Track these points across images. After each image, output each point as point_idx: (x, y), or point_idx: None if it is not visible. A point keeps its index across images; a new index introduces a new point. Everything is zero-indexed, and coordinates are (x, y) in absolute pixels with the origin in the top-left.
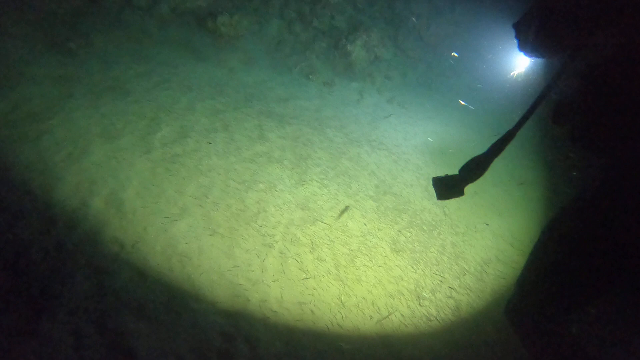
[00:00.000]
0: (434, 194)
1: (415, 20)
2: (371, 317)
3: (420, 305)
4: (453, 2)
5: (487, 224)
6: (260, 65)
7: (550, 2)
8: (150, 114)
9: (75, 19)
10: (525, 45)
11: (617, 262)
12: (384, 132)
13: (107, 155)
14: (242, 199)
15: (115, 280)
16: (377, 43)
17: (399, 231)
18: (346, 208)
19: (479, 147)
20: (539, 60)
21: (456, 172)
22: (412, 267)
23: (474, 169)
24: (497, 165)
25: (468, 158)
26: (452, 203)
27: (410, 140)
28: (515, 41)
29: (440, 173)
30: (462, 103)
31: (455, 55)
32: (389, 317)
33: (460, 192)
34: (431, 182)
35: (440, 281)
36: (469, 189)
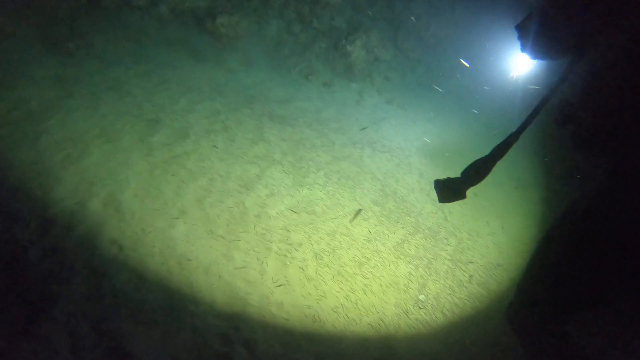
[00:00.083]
0: (436, 197)
1: (414, 20)
2: (371, 324)
3: (420, 307)
4: (453, 3)
5: (487, 222)
6: (260, 66)
7: (555, 3)
8: (149, 114)
9: (74, 19)
10: (529, 47)
11: (618, 265)
12: (384, 134)
13: (106, 156)
14: (242, 201)
15: (113, 282)
16: (377, 44)
17: (404, 237)
18: (359, 211)
19: (477, 150)
20: (541, 62)
21: (457, 174)
22: (415, 273)
23: (477, 172)
24: (497, 167)
25: (464, 160)
26: (454, 205)
27: (410, 142)
28: (518, 43)
29: (442, 175)
30: (436, 88)
31: (466, 64)
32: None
33: (462, 195)
34: (433, 185)
35: (443, 285)
36: (468, 190)
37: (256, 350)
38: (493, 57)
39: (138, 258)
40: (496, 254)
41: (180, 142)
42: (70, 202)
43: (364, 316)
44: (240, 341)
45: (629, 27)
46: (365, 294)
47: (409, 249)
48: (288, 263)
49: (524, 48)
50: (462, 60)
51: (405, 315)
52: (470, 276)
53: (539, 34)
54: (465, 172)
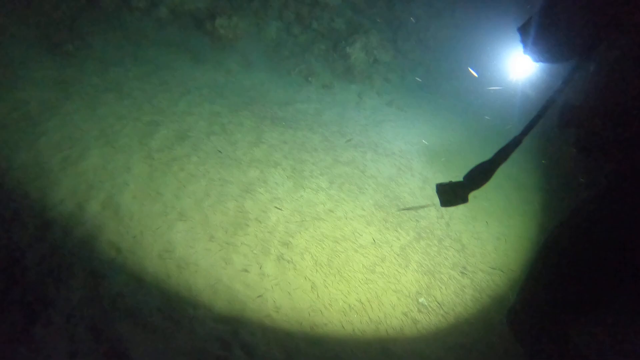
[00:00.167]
0: (438, 200)
1: (414, 21)
2: (370, 328)
3: (421, 310)
4: (453, 5)
5: (487, 223)
6: (259, 68)
7: (560, 5)
8: (148, 116)
9: (74, 20)
10: (532, 50)
11: (621, 268)
12: (384, 136)
13: (105, 158)
14: (241, 204)
15: (112, 285)
16: (377, 45)
17: (406, 242)
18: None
19: (475, 152)
20: (542, 65)
21: (457, 177)
22: (416, 277)
23: (479, 175)
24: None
25: (463, 162)
26: (455, 209)
27: (411, 144)
28: (521, 44)
29: (443, 178)
30: (417, 79)
31: (474, 74)
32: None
33: (464, 199)
34: (435, 189)
35: (443, 289)
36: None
37: (255, 354)
38: (493, 59)
39: (137, 261)
40: (496, 257)
41: (180, 144)
42: (69, 204)
43: (364, 320)
44: (239, 345)
45: (634, 30)
46: (365, 297)
47: (412, 255)
48: (288, 267)
49: (526, 50)
50: (470, 70)
51: (405, 318)
52: (471, 280)
53: (542, 36)
54: (468, 176)
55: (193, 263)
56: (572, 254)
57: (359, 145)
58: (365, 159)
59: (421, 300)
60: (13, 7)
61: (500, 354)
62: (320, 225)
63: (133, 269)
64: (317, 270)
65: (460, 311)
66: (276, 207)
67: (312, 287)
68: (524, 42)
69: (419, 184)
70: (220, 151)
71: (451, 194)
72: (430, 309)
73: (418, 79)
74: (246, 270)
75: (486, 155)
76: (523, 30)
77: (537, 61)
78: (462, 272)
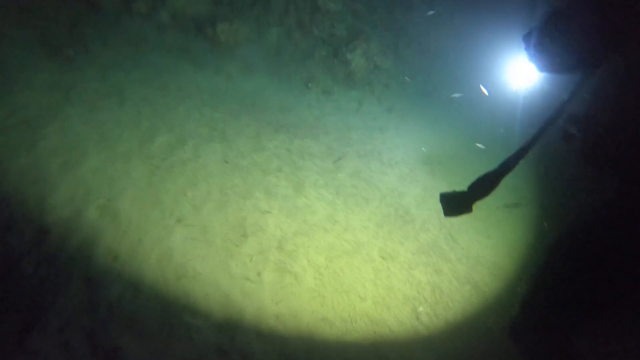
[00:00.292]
0: (442, 210)
1: (409, 80)
2: (368, 336)
3: (418, 319)
4: (452, 13)
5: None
6: (259, 73)
7: (566, 17)
8: (148, 122)
9: (74, 25)
10: (536, 59)
11: (624, 281)
12: (385, 144)
13: (104, 163)
14: (240, 210)
15: (109, 293)
16: (377, 52)
17: (404, 249)
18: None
19: (474, 158)
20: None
21: (456, 183)
22: (413, 289)
23: (484, 186)
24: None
25: (462, 169)
26: (459, 219)
27: (411, 152)
28: (525, 53)
29: (444, 187)
30: (407, 79)
31: (485, 92)
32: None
33: (468, 209)
34: (438, 198)
35: (445, 296)
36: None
37: None
38: (495, 66)
39: (134, 268)
40: (493, 267)
41: (179, 150)
42: (67, 210)
43: (361, 327)
44: (237, 353)
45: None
46: (364, 305)
47: (413, 268)
48: (287, 275)
49: (531, 59)
50: (481, 87)
51: (403, 326)
52: (470, 290)
53: (546, 47)
54: (473, 186)
55: (191, 270)
56: (575, 266)
57: (360, 152)
58: (366, 167)
59: (420, 308)
60: (14, 11)
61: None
62: (318, 232)
63: (131, 276)
64: (317, 279)
65: (458, 320)
66: (275, 214)
67: (310, 296)
68: (528, 51)
69: (421, 192)
70: (226, 161)
71: (455, 204)
72: (426, 317)
73: (407, 78)
74: (245, 278)
75: (485, 161)
76: (527, 39)
77: (542, 71)
78: (463, 284)
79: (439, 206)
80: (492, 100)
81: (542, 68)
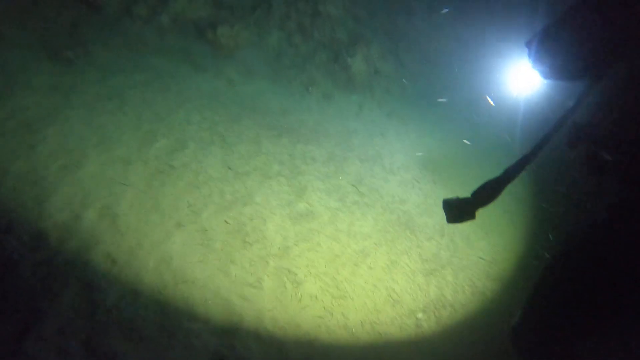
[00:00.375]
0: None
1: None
2: (368, 343)
3: (418, 325)
4: (454, 18)
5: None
6: (260, 77)
7: (570, 24)
8: (148, 125)
9: (74, 27)
10: (540, 66)
11: (629, 289)
12: (386, 148)
13: (103, 166)
14: (239, 214)
15: (106, 297)
16: (378, 56)
17: (401, 253)
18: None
19: (475, 166)
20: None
21: (459, 190)
22: (414, 294)
23: (488, 192)
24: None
25: (461, 175)
26: (463, 226)
27: (413, 157)
28: (528, 60)
29: (447, 193)
30: (405, 82)
31: (491, 102)
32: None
33: (471, 216)
34: (441, 205)
35: (445, 303)
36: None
37: None
38: (496, 72)
39: (133, 272)
40: (496, 273)
41: (179, 154)
42: (65, 214)
43: (362, 333)
44: (235, 358)
45: None
46: (365, 314)
47: (416, 275)
48: (287, 281)
49: (535, 65)
50: (487, 98)
51: (404, 332)
52: (470, 296)
53: (550, 54)
54: (476, 193)
55: (190, 275)
56: (580, 273)
57: (361, 157)
58: (367, 172)
59: (419, 315)
60: (14, 12)
61: None
62: (318, 238)
63: (129, 280)
64: (317, 285)
65: (458, 327)
66: (276, 220)
67: (311, 302)
68: (532, 57)
69: (423, 198)
70: (230, 168)
71: (458, 211)
72: (426, 324)
73: (405, 81)
74: (244, 284)
75: (485, 166)
76: (530, 46)
77: (546, 78)
78: (464, 292)
79: (441, 213)
80: (496, 106)
81: (547, 75)
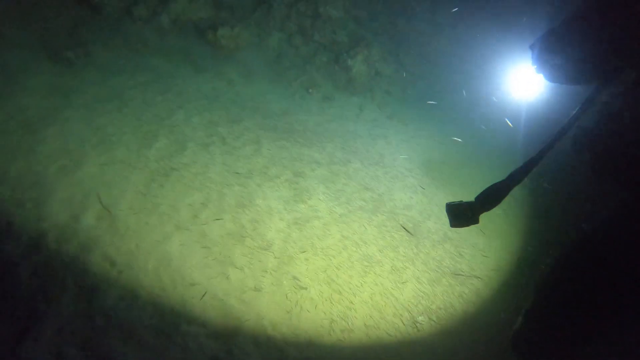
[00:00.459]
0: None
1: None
2: (368, 346)
3: (418, 329)
4: (455, 20)
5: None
6: (260, 78)
7: (579, 28)
8: (147, 126)
9: (75, 28)
10: (544, 69)
11: (633, 295)
12: (385, 150)
13: (102, 168)
14: (239, 216)
15: (105, 300)
16: (378, 58)
17: (400, 258)
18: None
19: (476, 169)
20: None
21: (460, 193)
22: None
23: (492, 197)
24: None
25: (460, 177)
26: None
27: (414, 160)
28: (532, 63)
29: (448, 196)
30: (405, 74)
31: (509, 124)
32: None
33: (475, 220)
34: (445, 209)
35: (446, 307)
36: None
37: None
38: (497, 74)
39: (131, 274)
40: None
41: (178, 155)
42: (64, 215)
43: (363, 339)
44: None
45: None
46: (365, 318)
47: (420, 281)
48: (286, 284)
49: (539, 69)
50: (507, 120)
51: (404, 335)
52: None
53: (556, 57)
54: (480, 197)
55: (189, 277)
56: (582, 279)
57: (363, 160)
58: (368, 175)
59: (419, 318)
60: (15, 13)
61: None
62: (317, 241)
63: (127, 282)
64: (317, 289)
65: (458, 331)
66: (277, 223)
67: (310, 306)
68: (537, 61)
69: (425, 201)
70: (230, 169)
71: (461, 215)
72: (426, 326)
73: (404, 74)
74: (242, 286)
75: (486, 169)
76: (535, 48)
77: (551, 81)
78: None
79: (445, 217)
80: (501, 110)
81: (553, 78)
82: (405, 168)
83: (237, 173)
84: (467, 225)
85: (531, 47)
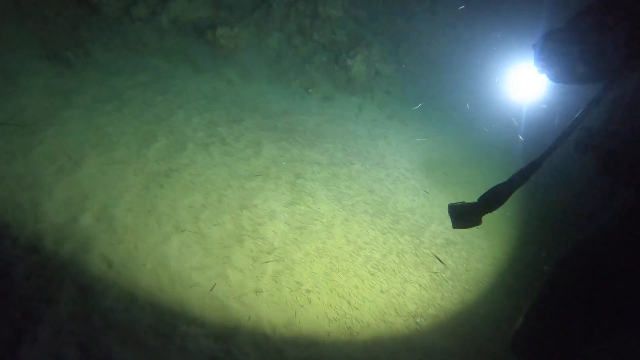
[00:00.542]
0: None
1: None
2: (368, 348)
3: (418, 329)
4: (455, 19)
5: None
6: (259, 78)
7: (583, 26)
8: (146, 126)
9: (74, 28)
10: (548, 69)
11: (632, 295)
12: (385, 150)
13: (101, 168)
14: (238, 217)
15: (102, 300)
16: (378, 58)
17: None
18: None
19: (476, 169)
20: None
21: (456, 192)
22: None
23: (495, 198)
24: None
25: (460, 178)
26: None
27: (414, 161)
28: (535, 62)
29: (450, 197)
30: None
31: (521, 138)
32: None
33: (477, 222)
34: (447, 210)
35: (446, 308)
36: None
37: None
38: (497, 74)
39: (129, 275)
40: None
41: (178, 155)
42: (62, 216)
43: (363, 341)
44: None
45: None
46: (365, 320)
47: (423, 287)
48: (286, 286)
49: (542, 69)
50: (519, 136)
51: (403, 339)
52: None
53: (561, 57)
54: (483, 198)
55: (187, 278)
56: (585, 280)
57: (363, 161)
58: (368, 176)
59: (418, 319)
60: (14, 13)
61: None
62: (317, 243)
63: (125, 283)
64: (316, 291)
65: (459, 332)
66: (277, 224)
67: (310, 307)
68: (540, 60)
69: (429, 205)
70: (229, 170)
71: (464, 216)
72: (426, 327)
73: (404, 66)
74: (242, 287)
75: (486, 169)
76: (538, 48)
77: (555, 81)
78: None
79: (448, 220)
80: (501, 111)
81: (556, 78)
82: (406, 169)
83: (238, 174)
84: (470, 226)
85: (534, 47)
